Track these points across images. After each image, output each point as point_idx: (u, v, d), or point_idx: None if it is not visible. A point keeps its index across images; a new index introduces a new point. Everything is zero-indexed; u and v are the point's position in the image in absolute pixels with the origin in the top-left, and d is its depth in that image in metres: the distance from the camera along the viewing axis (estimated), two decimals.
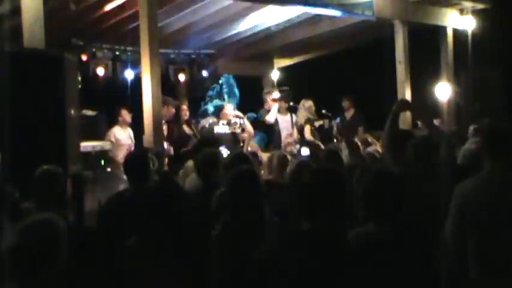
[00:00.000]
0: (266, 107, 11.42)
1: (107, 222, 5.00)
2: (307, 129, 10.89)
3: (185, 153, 8.94)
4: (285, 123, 11.36)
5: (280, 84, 12.83)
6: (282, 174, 5.99)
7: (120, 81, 11.76)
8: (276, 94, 11.32)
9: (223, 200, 4.24)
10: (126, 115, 10.44)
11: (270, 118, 11.16)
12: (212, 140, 8.41)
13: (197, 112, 12.02)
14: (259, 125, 11.33)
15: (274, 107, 11.18)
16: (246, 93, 11.36)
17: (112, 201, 5.26)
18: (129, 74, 11.76)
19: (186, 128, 10.13)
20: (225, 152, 8.99)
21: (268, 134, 11.27)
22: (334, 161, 6.05)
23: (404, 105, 5.71)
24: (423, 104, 10.92)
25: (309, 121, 10.98)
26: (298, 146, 10.44)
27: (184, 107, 10.58)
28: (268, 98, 11.40)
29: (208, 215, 4.54)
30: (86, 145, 8.97)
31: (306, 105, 11.14)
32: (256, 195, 4.02)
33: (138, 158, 5.55)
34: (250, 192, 4.01)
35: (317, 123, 11.10)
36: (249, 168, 4.41)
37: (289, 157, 6.56)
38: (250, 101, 11.72)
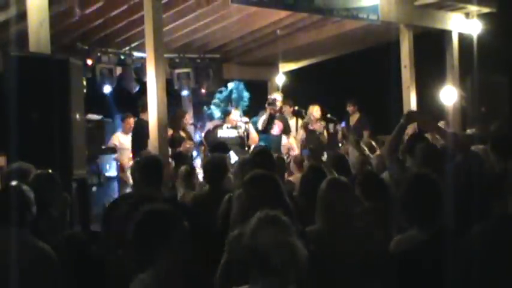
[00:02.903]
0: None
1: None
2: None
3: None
4: (291, 127, 11.30)
5: (285, 88, 12.81)
6: None
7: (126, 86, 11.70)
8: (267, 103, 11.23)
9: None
10: (132, 123, 10.54)
11: (258, 125, 10.94)
12: (222, 146, 8.35)
13: (202, 116, 12.06)
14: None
15: (265, 115, 11.03)
16: (250, 98, 11.34)
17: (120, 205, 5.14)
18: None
19: (182, 133, 10.15)
20: (233, 157, 8.96)
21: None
22: (340, 166, 6.01)
23: (412, 117, 5.69)
24: (429, 112, 10.85)
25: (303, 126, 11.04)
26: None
27: (188, 116, 10.56)
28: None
29: (215, 219, 4.55)
30: None
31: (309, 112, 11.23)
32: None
33: (157, 161, 5.41)
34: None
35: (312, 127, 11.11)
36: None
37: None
38: (255, 105, 11.68)
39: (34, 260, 3.70)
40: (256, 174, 3.98)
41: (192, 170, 6.92)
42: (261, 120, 10.84)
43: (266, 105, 10.86)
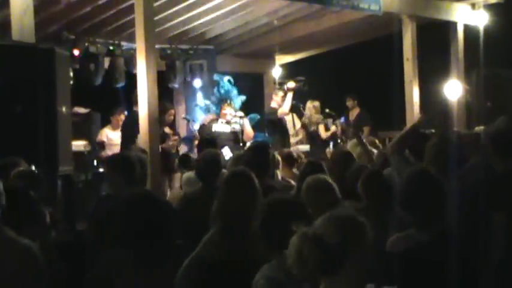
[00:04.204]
0: (272, 104, 11.08)
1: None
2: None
3: None
4: (287, 123, 11.30)
5: (281, 82, 12.62)
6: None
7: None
8: (291, 84, 11.00)
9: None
10: (120, 120, 10.66)
11: (285, 108, 10.87)
12: (213, 141, 8.32)
13: (194, 110, 11.89)
14: (264, 124, 11.18)
15: (289, 96, 10.88)
16: (246, 91, 11.21)
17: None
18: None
19: (166, 129, 10.10)
20: (227, 152, 8.96)
21: (272, 134, 10.92)
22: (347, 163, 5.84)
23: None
24: (433, 109, 10.75)
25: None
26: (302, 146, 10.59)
27: (172, 111, 10.48)
28: (279, 91, 11.16)
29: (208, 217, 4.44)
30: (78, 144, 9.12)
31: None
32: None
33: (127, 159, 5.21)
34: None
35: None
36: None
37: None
38: (250, 98, 11.50)
39: (18, 259, 3.33)
40: (233, 172, 4.18)
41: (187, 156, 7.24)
42: (287, 102, 10.80)
43: (287, 86, 10.88)
